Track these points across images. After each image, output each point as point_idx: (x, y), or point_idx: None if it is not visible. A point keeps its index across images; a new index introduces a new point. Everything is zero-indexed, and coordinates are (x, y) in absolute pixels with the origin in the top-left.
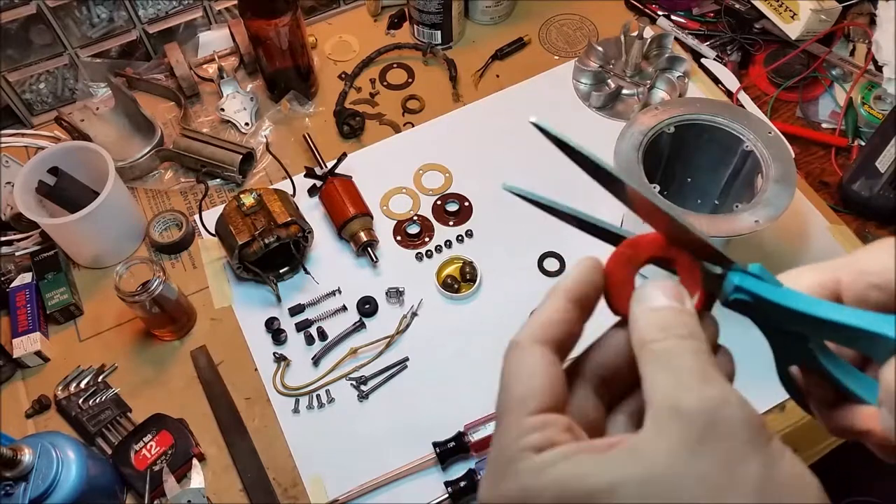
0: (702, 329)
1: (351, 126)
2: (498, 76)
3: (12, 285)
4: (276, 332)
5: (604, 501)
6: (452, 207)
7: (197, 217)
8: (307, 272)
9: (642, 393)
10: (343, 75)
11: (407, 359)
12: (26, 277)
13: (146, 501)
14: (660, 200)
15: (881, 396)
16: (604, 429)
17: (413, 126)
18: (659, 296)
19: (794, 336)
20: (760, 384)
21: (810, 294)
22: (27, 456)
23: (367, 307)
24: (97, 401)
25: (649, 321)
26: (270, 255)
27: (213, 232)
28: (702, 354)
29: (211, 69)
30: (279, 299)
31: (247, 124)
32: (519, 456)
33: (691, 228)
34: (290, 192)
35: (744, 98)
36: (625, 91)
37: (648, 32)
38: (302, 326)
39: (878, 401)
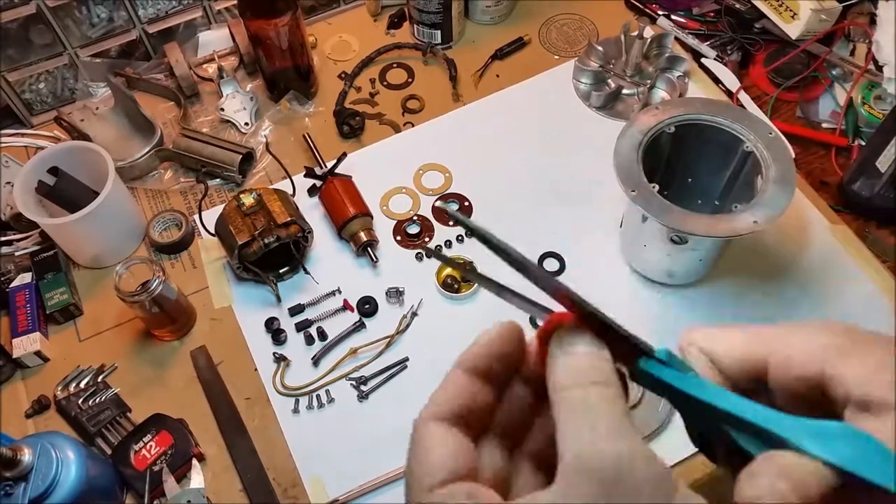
0: (616, 376)
1: (351, 126)
2: (498, 76)
3: (12, 285)
4: (275, 332)
5: None
6: (452, 207)
7: (197, 217)
8: (307, 272)
9: (556, 441)
10: (343, 75)
11: (407, 359)
12: (26, 277)
13: (146, 501)
14: (566, 287)
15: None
16: (510, 477)
17: (413, 126)
18: (577, 341)
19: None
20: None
21: (735, 363)
22: (27, 456)
23: (367, 307)
24: (97, 401)
25: (567, 365)
26: (270, 255)
27: (213, 232)
28: (616, 403)
29: (211, 69)
30: (279, 299)
31: (246, 124)
32: None
33: (602, 316)
34: (290, 192)
35: (744, 98)
36: (625, 91)
37: (648, 32)
38: (302, 326)
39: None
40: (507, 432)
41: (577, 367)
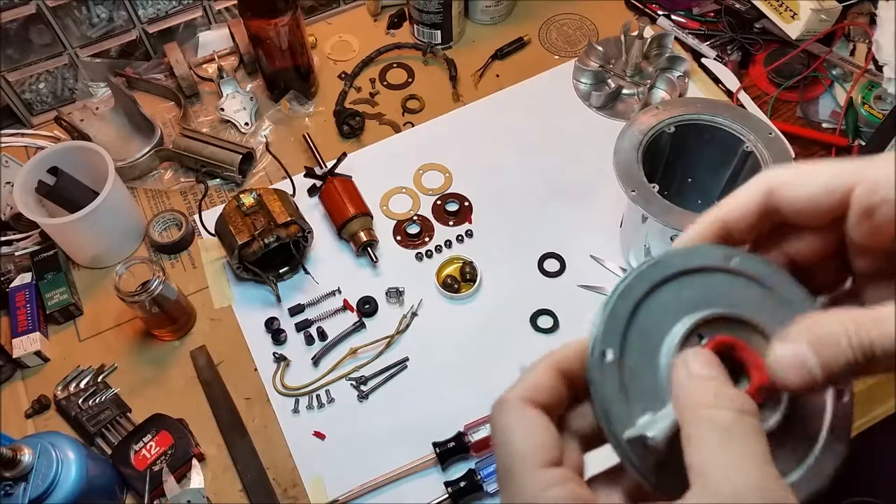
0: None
1: (351, 126)
2: (498, 76)
3: (12, 285)
4: (275, 332)
5: None
6: (452, 207)
7: (197, 217)
8: (307, 272)
9: (687, 455)
10: (343, 75)
11: (407, 359)
12: (26, 277)
13: (146, 501)
14: None
15: None
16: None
17: (413, 126)
18: (705, 365)
19: None
20: None
21: (818, 190)
22: (27, 456)
23: (367, 307)
24: (97, 401)
25: (700, 386)
26: (270, 255)
27: (213, 232)
28: (761, 438)
29: (211, 69)
30: (279, 299)
31: (246, 124)
32: None
33: None
34: (290, 192)
35: (744, 98)
36: (625, 91)
37: (648, 32)
38: (302, 326)
39: None
40: (585, 436)
41: (712, 389)
